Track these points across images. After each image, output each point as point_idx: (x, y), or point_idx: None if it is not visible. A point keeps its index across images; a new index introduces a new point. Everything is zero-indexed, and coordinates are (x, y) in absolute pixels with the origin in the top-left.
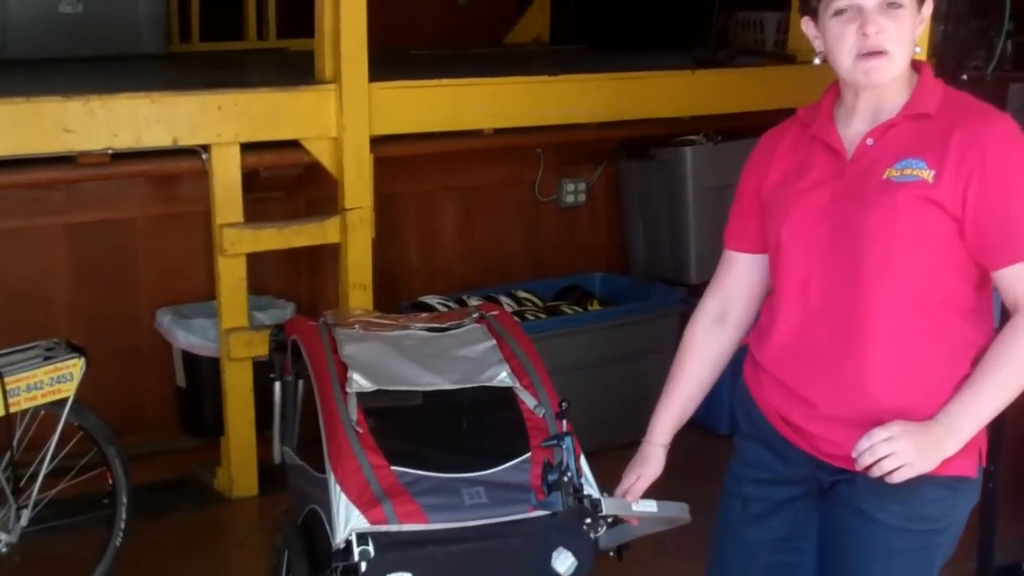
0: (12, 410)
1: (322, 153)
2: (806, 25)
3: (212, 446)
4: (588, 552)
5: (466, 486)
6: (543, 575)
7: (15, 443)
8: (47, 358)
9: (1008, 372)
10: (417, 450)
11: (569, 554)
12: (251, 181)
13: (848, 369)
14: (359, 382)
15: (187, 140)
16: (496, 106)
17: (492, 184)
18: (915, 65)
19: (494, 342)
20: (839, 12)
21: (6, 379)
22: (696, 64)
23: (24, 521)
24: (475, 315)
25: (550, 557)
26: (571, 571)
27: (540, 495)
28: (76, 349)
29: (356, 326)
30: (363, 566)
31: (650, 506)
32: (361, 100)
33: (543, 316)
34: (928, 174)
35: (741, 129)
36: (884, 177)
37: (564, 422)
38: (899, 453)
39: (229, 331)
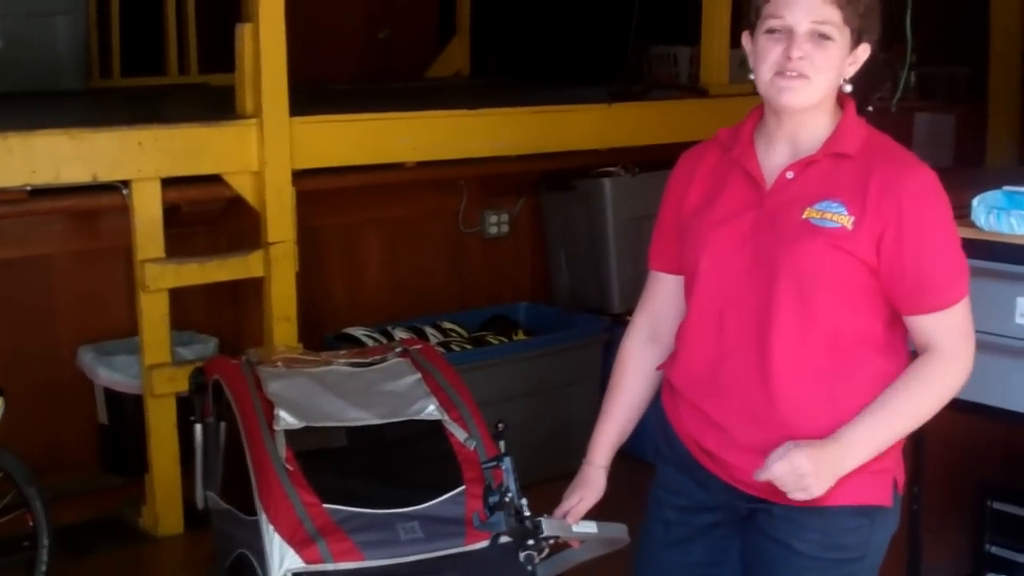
0: None
1: (244, 187)
2: (745, 39)
3: (136, 484)
4: None
5: (401, 521)
6: None
7: None
8: None
9: (909, 405)
10: (349, 487)
11: None
12: (173, 216)
13: (761, 401)
14: (286, 419)
15: (107, 176)
16: (418, 139)
17: (416, 216)
18: (841, 101)
19: (419, 375)
20: (771, 31)
21: None
22: (612, 98)
23: None
24: (398, 349)
25: None
26: None
27: (483, 516)
28: None
29: (279, 363)
30: None
31: (590, 527)
32: (282, 134)
33: (469, 347)
34: (848, 220)
35: (658, 161)
36: (804, 217)
37: (502, 443)
38: (800, 477)
39: (152, 367)
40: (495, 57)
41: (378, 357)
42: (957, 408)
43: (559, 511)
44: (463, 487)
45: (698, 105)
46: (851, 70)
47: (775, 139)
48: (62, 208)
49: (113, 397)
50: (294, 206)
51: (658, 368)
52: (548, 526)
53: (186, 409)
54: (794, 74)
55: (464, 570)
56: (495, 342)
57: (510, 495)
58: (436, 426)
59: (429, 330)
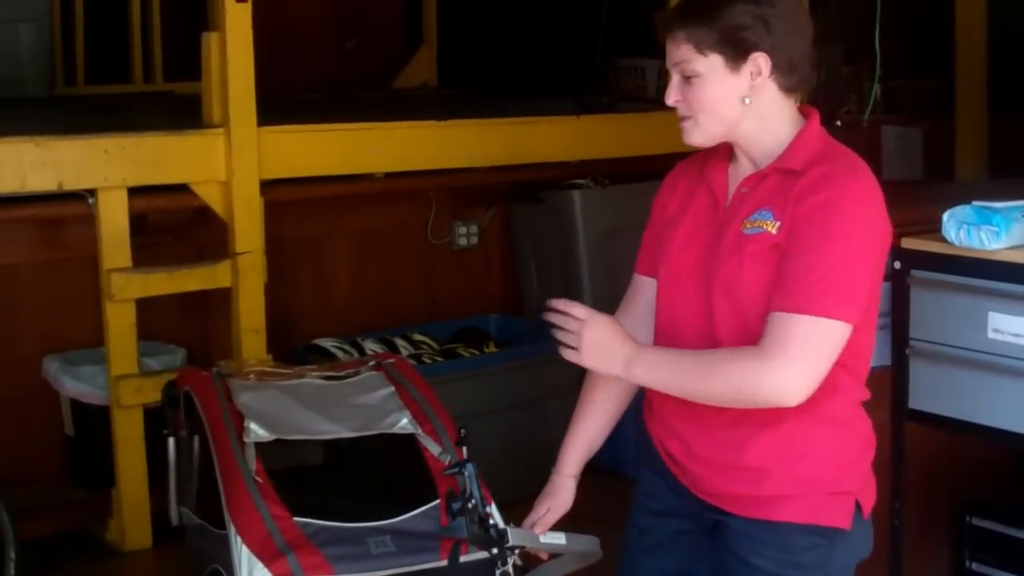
0: None
1: (211, 197)
2: None
3: (103, 498)
4: None
5: (372, 535)
6: None
7: None
8: None
9: (703, 369)
10: (319, 500)
11: None
12: (139, 225)
13: (711, 413)
14: (256, 431)
15: (73, 184)
16: (387, 150)
17: (385, 227)
18: (805, 111)
19: (393, 389)
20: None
21: None
22: (580, 109)
23: None
24: (371, 363)
25: None
26: None
27: (443, 521)
28: None
29: (251, 376)
30: None
31: (559, 538)
32: (250, 144)
33: (440, 359)
34: (773, 225)
35: (629, 173)
36: (741, 229)
37: (464, 449)
38: (576, 338)
39: (119, 378)
40: (463, 67)
41: (352, 370)
42: (931, 423)
43: (527, 522)
44: (436, 501)
45: (667, 118)
46: (760, 82)
47: (737, 156)
48: (27, 217)
49: (79, 408)
50: (262, 216)
51: None
52: (514, 535)
53: (154, 421)
54: (680, 115)
55: None
56: (466, 354)
57: (473, 501)
58: (409, 439)
59: (400, 341)
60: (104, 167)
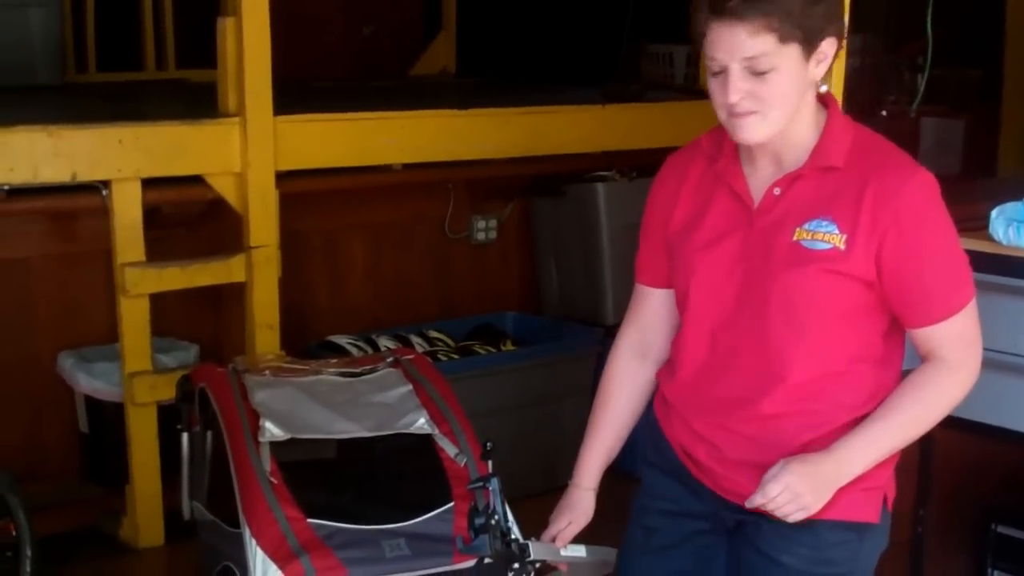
0: None
1: (226, 189)
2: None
3: (117, 495)
4: None
5: (386, 538)
6: None
7: None
8: None
9: (910, 416)
10: (334, 501)
11: None
12: (152, 218)
13: (754, 422)
14: (272, 431)
15: (87, 175)
16: (405, 140)
17: (401, 221)
18: (823, 99)
19: (410, 387)
20: (713, 73)
21: None
22: (606, 98)
23: None
24: (390, 359)
25: None
26: None
27: (467, 539)
28: None
29: (267, 372)
30: None
31: (579, 551)
32: (266, 134)
33: (456, 356)
34: (839, 239)
35: (654, 165)
36: (794, 239)
37: (489, 463)
38: (795, 499)
39: (133, 375)
40: (482, 54)
41: (369, 367)
42: (961, 428)
43: (547, 535)
44: (451, 504)
45: (696, 107)
46: (821, 69)
47: (756, 156)
48: (40, 209)
49: (94, 405)
50: (277, 209)
51: (656, 376)
52: (536, 550)
53: (168, 418)
54: (743, 111)
55: None
56: (483, 352)
57: (496, 517)
58: (426, 440)
59: (415, 338)
60: (118, 157)
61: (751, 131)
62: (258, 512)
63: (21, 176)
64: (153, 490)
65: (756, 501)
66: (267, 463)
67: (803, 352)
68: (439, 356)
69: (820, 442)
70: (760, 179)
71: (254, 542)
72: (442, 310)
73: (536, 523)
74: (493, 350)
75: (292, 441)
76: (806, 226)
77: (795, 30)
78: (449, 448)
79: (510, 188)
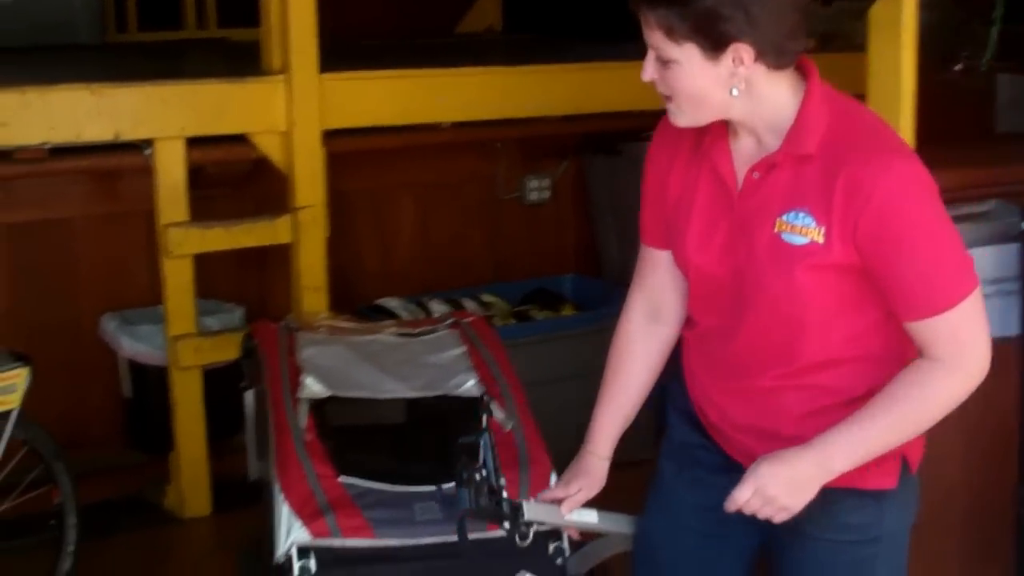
0: None
1: (271, 148)
2: None
3: (161, 462)
4: None
5: (419, 500)
6: None
7: None
8: None
9: (897, 416)
10: (370, 460)
11: None
12: (196, 178)
13: (754, 392)
14: (311, 387)
15: (130, 134)
16: (453, 98)
17: (451, 181)
18: (803, 69)
19: (465, 349)
20: None
21: None
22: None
23: None
24: (449, 321)
25: None
26: None
27: (451, 492)
28: (20, 357)
29: (322, 330)
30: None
31: (589, 516)
32: (311, 92)
33: (512, 321)
34: (818, 232)
35: None
36: (775, 231)
37: (485, 417)
38: (769, 502)
39: (177, 338)
40: (529, 11)
41: (427, 328)
42: None
43: (551, 495)
44: None
45: None
46: (744, 71)
47: (738, 131)
48: (82, 168)
49: (137, 369)
50: (324, 168)
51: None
52: (532, 511)
53: (215, 382)
54: (662, 95)
55: (484, 557)
56: (540, 317)
57: (484, 472)
58: (474, 403)
59: (467, 302)
60: (162, 116)
61: (672, 117)
62: (289, 468)
63: (63, 135)
64: (198, 457)
65: (728, 507)
66: (303, 419)
67: (799, 343)
68: (494, 321)
69: (820, 416)
70: (743, 157)
71: (282, 497)
72: (495, 273)
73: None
74: (552, 315)
75: (336, 399)
76: (784, 217)
77: (692, 34)
78: (497, 412)
79: (563, 147)
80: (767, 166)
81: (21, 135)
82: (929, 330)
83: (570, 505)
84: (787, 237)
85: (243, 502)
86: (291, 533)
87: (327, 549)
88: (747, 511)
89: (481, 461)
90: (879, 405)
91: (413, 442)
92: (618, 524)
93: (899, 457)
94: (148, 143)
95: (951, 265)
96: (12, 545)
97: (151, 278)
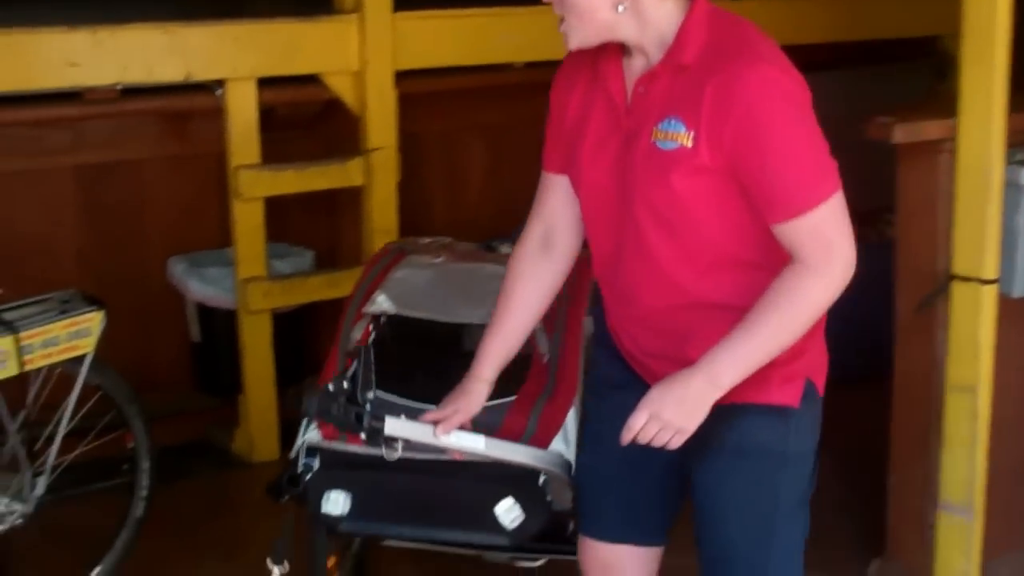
0: (26, 368)
1: (343, 89)
2: None
3: (230, 406)
4: (538, 509)
5: None
6: (485, 522)
7: (29, 404)
8: (63, 311)
9: (776, 322)
10: (402, 376)
11: (516, 506)
12: (266, 119)
13: (648, 313)
14: (380, 304)
15: (201, 74)
16: (526, 38)
17: (522, 122)
18: None
19: None
20: None
21: (20, 334)
22: None
23: (40, 489)
24: None
25: (495, 505)
26: (515, 524)
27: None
28: (94, 301)
29: (440, 255)
30: (306, 477)
31: (473, 441)
32: (384, 31)
33: None
34: (687, 137)
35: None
36: (652, 140)
37: (375, 333)
38: (665, 426)
39: (246, 281)
40: None
41: None
42: None
43: (426, 417)
44: (512, 398)
45: (820, 3)
46: None
47: (631, 51)
48: (153, 109)
49: (205, 313)
50: (396, 110)
51: None
52: (395, 426)
53: (283, 326)
54: (558, 15)
55: (474, 479)
56: None
57: (345, 384)
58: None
59: None
60: (233, 56)
61: (568, 38)
62: (323, 375)
63: (135, 75)
64: (267, 402)
65: (624, 437)
66: (358, 332)
67: (677, 253)
68: None
69: (708, 336)
70: (633, 75)
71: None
72: None
73: None
74: None
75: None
76: (659, 126)
77: None
78: (542, 343)
79: None
80: (649, 78)
81: (93, 75)
82: (794, 232)
83: (445, 427)
84: (660, 144)
85: (284, 487)
86: (306, 432)
87: (332, 452)
88: (642, 439)
89: (351, 373)
90: (755, 315)
91: (453, 366)
92: (513, 454)
93: (803, 377)
94: (219, 84)
95: (811, 167)
96: (85, 490)
97: (220, 220)
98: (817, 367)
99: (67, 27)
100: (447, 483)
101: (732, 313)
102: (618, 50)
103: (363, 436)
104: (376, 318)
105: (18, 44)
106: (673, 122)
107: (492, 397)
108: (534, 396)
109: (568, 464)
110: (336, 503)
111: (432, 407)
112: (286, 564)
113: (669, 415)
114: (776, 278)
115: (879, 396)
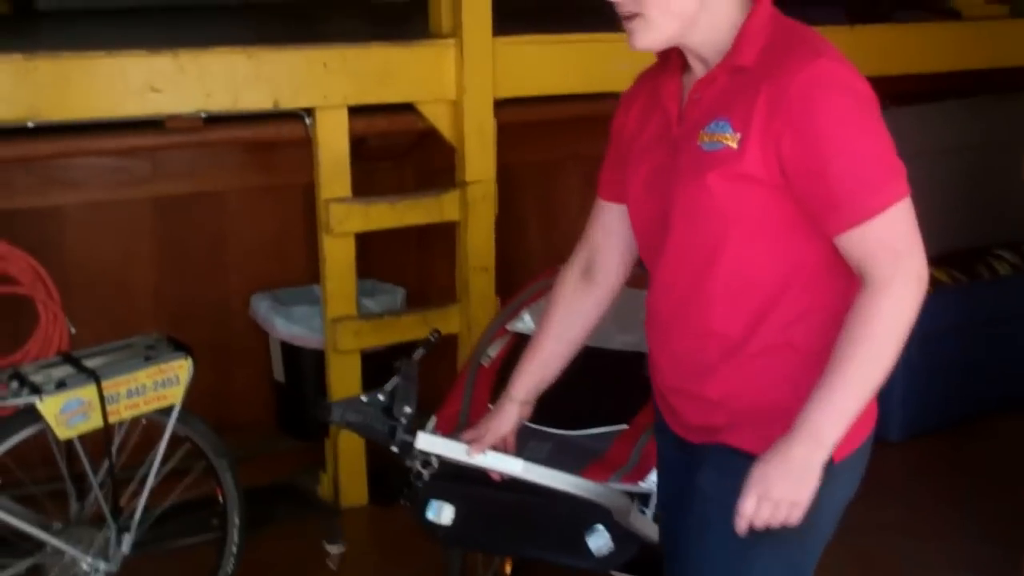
0: (111, 420)
1: (439, 118)
2: None
3: (315, 449)
4: (628, 540)
5: (538, 439)
6: (577, 547)
7: (113, 455)
8: (148, 358)
9: (863, 357)
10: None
11: (606, 534)
12: (356, 149)
13: (674, 345)
14: (525, 322)
15: (290, 102)
16: (635, 65)
17: None
18: None
19: None
20: None
21: (104, 383)
22: (852, 19)
23: (126, 547)
24: None
25: (586, 532)
26: (604, 553)
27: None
28: (181, 347)
29: None
30: (421, 480)
31: (508, 463)
32: (484, 57)
33: None
34: (733, 139)
35: (908, 93)
36: (697, 143)
37: (420, 351)
38: (777, 503)
39: (336, 320)
40: None
41: None
42: None
43: (464, 436)
44: (623, 427)
45: (950, 30)
46: None
47: (690, 62)
48: (238, 139)
49: (290, 352)
50: (495, 141)
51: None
52: (426, 442)
53: (372, 366)
54: (626, 13)
55: (570, 505)
56: None
57: (381, 397)
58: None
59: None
60: (324, 83)
61: (635, 37)
62: (455, 388)
63: (220, 103)
64: (356, 445)
65: (739, 526)
66: (495, 349)
67: (706, 273)
68: None
69: (727, 376)
70: (689, 86)
71: (434, 417)
72: None
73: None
74: None
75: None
76: (707, 128)
77: None
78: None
79: None
80: (706, 83)
81: (176, 103)
82: (860, 241)
83: (478, 446)
84: (704, 146)
85: (398, 493)
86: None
87: (427, 456)
88: (759, 524)
89: (392, 387)
90: (839, 355)
91: (580, 388)
92: (553, 480)
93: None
94: (308, 112)
95: (879, 165)
96: (173, 546)
97: (307, 256)
98: (861, 419)
99: (147, 50)
100: (546, 505)
101: (757, 357)
102: (678, 67)
103: (394, 449)
104: (516, 336)
105: (96, 69)
106: (720, 123)
107: (598, 424)
108: (643, 427)
109: (623, 495)
110: (440, 513)
111: (552, 430)
112: (342, 544)
113: (778, 492)
114: (851, 313)
115: None
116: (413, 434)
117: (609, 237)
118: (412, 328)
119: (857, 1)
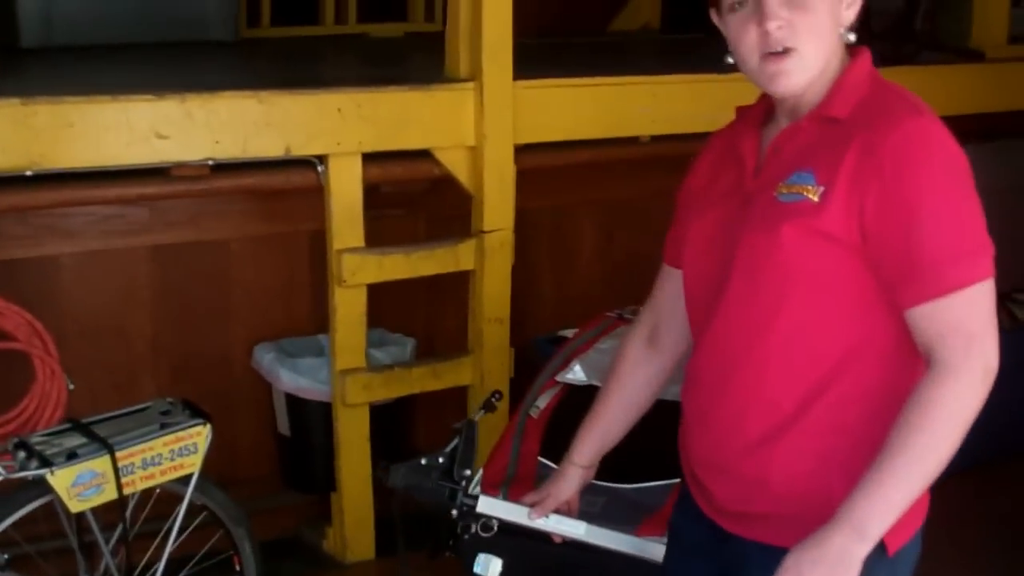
0: (126, 491)
1: (457, 165)
2: (713, 15)
3: (319, 503)
4: None
5: (592, 493)
6: None
7: (127, 528)
8: (164, 424)
9: (921, 445)
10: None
11: None
12: (368, 197)
13: (713, 412)
14: (575, 373)
15: (302, 149)
16: (658, 109)
17: (637, 198)
18: (852, 51)
19: None
20: (738, 4)
21: (118, 453)
22: (876, 61)
23: None
24: None
25: None
26: None
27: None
28: (198, 412)
29: None
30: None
31: (572, 527)
32: (504, 102)
33: None
34: (815, 192)
35: None
36: (774, 195)
37: (482, 412)
38: None
39: (344, 372)
40: (689, 8)
41: None
42: None
43: (526, 499)
44: (678, 481)
45: (975, 72)
46: (851, 13)
47: (778, 112)
48: (247, 187)
49: (296, 404)
50: (514, 188)
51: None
52: (488, 505)
53: (380, 419)
54: (780, 50)
55: (623, 562)
56: None
57: (442, 459)
58: None
59: None
60: (337, 129)
61: (790, 77)
62: (502, 441)
63: (229, 150)
64: (363, 499)
65: None
66: (544, 400)
67: (784, 333)
68: None
69: (771, 454)
70: (769, 139)
71: (481, 469)
72: None
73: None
74: None
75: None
76: (787, 180)
77: None
78: None
79: None
80: (790, 133)
81: (183, 150)
82: (934, 318)
83: (540, 510)
84: (781, 197)
85: (446, 543)
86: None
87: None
88: None
89: (453, 447)
90: (893, 441)
91: (634, 440)
92: (616, 543)
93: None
94: (321, 159)
95: (969, 239)
96: None
97: (312, 305)
98: (914, 509)
99: (153, 95)
100: (595, 560)
101: (807, 436)
102: (759, 120)
103: (454, 513)
104: (566, 387)
105: (100, 114)
106: (803, 175)
107: (655, 477)
108: None
109: None
110: (488, 567)
111: (606, 483)
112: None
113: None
114: (912, 393)
115: None
116: (472, 498)
117: (675, 303)
118: (422, 380)
119: (881, 44)
